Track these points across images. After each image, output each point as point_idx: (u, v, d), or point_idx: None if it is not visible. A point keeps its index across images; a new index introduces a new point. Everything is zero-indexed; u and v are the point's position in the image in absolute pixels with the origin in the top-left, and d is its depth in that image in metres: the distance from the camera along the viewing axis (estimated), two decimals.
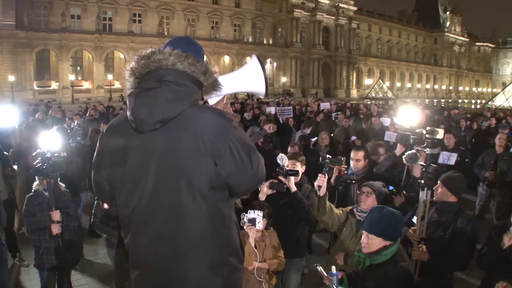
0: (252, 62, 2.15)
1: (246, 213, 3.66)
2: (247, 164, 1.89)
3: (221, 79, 2.12)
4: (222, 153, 1.85)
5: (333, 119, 14.14)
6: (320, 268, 2.92)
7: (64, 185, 4.90)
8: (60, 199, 4.61)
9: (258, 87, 2.16)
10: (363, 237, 3.03)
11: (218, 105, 2.21)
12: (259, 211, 3.66)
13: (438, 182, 4.05)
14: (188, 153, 1.86)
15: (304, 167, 4.73)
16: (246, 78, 2.19)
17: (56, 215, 4.19)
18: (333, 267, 2.90)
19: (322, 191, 3.93)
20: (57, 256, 4.47)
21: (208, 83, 1.97)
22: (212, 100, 2.19)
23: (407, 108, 6.84)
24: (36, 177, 4.62)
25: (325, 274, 2.88)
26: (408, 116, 6.14)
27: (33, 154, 4.50)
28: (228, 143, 1.85)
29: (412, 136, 4.76)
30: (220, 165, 1.87)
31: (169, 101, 1.84)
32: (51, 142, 4.18)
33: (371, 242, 2.96)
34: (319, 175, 3.98)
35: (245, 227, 3.64)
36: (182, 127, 1.86)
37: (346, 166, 4.92)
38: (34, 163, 4.19)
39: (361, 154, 5.44)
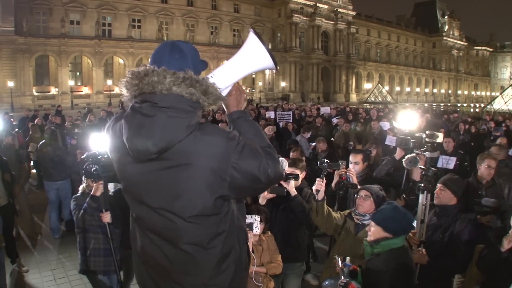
0: (249, 38, 2.01)
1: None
2: (257, 179, 1.84)
3: (224, 69, 2.03)
4: (227, 178, 1.80)
5: (333, 124, 14.16)
6: (338, 259, 3.03)
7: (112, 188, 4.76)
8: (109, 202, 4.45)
9: (263, 63, 2.01)
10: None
11: (231, 96, 2.08)
12: (257, 215, 3.66)
13: (439, 185, 4.05)
14: (178, 185, 1.82)
15: (304, 172, 4.74)
16: (247, 58, 2.02)
17: (106, 216, 4.15)
18: (348, 258, 3.00)
19: (320, 195, 3.94)
20: (106, 258, 4.42)
21: (208, 103, 1.85)
22: (224, 92, 2.01)
23: (407, 112, 6.86)
24: (84, 179, 4.61)
25: (340, 264, 2.96)
26: (408, 120, 6.16)
27: (83, 156, 4.47)
28: (230, 168, 1.79)
29: (412, 140, 4.76)
30: (226, 189, 1.84)
31: (165, 131, 1.73)
32: (101, 143, 4.12)
33: (372, 230, 3.16)
34: (317, 179, 3.99)
35: None
36: (177, 158, 1.79)
37: (345, 170, 4.91)
38: (84, 165, 4.20)
39: (359, 157, 5.45)
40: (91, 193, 4.29)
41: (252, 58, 1.99)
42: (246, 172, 1.81)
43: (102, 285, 4.66)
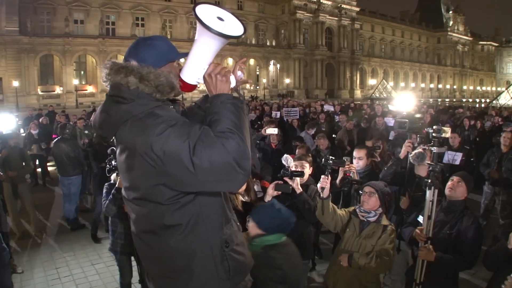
0: (198, 26, 1.84)
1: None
2: (184, 166, 1.63)
3: (186, 63, 1.97)
4: (152, 163, 1.71)
5: (336, 120, 14.08)
6: None
7: None
8: None
9: (217, 41, 1.84)
10: None
11: (206, 84, 1.91)
12: None
13: (457, 178, 4.00)
14: (125, 169, 1.88)
15: (311, 168, 4.70)
16: (203, 43, 1.88)
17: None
18: None
19: (325, 193, 3.89)
20: (129, 241, 4.73)
21: (155, 90, 1.85)
22: (200, 79, 1.94)
23: (404, 95, 6.87)
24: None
25: None
26: (405, 103, 6.11)
27: (108, 151, 4.99)
28: (151, 151, 1.68)
29: (419, 136, 4.71)
30: (160, 177, 1.74)
31: (108, 117, 1.87)
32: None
33: (250, 226, 3.18)
34: (322, 176, 3.94)
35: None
36: (122, 143, 1.87)
37: (349, 166, 4.87)
38: (107, 160, 4.78)
39: (363, 152, 5.42)
40: (116, 185, 4.73)
41: (205, 41, 1.87)
42: (167, 156, 1.66)
43: (126, 265, 5.19)
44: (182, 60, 2.07)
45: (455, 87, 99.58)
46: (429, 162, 4.07)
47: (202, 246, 1.91)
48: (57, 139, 8.77)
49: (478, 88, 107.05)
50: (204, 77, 1.90)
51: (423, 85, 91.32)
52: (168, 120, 1.73)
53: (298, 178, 4.19)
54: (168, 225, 1.86)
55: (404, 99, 6.21)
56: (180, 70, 1.99)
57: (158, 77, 1.85)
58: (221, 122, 1.73)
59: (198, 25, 1.82)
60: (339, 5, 70.18)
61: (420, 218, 4.07)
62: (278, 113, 14.56)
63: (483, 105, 41.28)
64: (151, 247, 1.96)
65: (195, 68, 1.94)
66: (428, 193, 3.83)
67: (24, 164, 8.11)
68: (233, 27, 1.90)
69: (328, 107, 18.26)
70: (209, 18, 1.82)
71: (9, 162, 7.72)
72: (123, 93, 1.82)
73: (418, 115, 4.74)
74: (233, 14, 1.95)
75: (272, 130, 7.81)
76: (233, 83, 1.92)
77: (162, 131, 1.68)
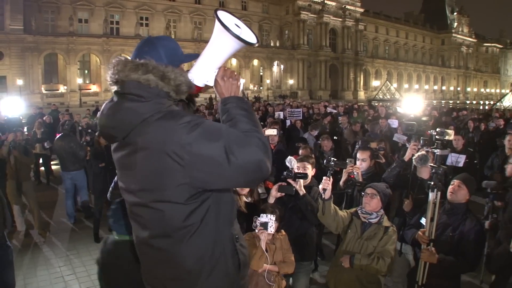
0: (216, 25, 1.85)
1: (259, 216, 3.64)
2: (217, 162, 1.66)
3: (198, 62, 1.97)
4: (181, 162, 1.69)
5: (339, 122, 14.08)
6: None
7: None
8: None
9: (233, 45, 1.86)
10: None
11: (217, 85, 1.94)
12: (272, 215, 3.63)
13: (457, 181, 4.00)
14: (140, 169, 1.80)
15: (314, 169, 4.70)
16: (217, 44, 1.89)
17: None
18: None
19: (327, 194, 3.89)
20: None
21: (174, 90, 1.84)
22: (209, 82, 1.96)
23: (412, 98, 6.84)
24: None
25: None
26: (413, 105, 6.08)
27: None
28: (181, 150, 1.68)
29: (422, 138, 4.71)
30: (186, 175, 1.72)
31: (123, 115, 1.80)
32: None
33: None
34: (324, 178, 3.95)
35: (256, 230, 3.64)
36: (136, 143, 1.78)
37: (353, 167, 4.87)
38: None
39: (367, 154, 5.41)
40: None
41: (221, 43, 1.88)
42: (201, 154, 1.67)
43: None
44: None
45: (459, 89, 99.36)
46: (432, 164, 4.07)
47: (215, 242, 1.92)
48: (59, 135, 8.94)
49: (482, 90, 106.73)
50: (216, 79, 1.94)
51: (426, 86, 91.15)
52: (194, 119, 1.74)
53: (301, 180, 4.19)
54: (184, 225, 1.83)
55: (412, 102, 6.16)
56: (187, 71, 1.98)
57: (179, 76, 1.85)
58: (241, 122, 1.80)
59: (217, 28, 1.83)
60: (343, 6, 70.11)
61: (423, 220, 4.07)
62: (281, 113, 14.55)
63: (487, 107, 41.13)
64: (162, 250, 1.90)
65: (206, 70, 1.95)
66: (431, 195, 3.83)
67: (27, 157, 8.21)
68: (248, 35, 1.94)
69: (330, 110, 18.25)
70: (228, 22, 1.84)
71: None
72: (142, 91, 1.80)
73: (424, 118, 4.71)
74: (248, 26, 1.99)
75: (271, 131, 7.81)
76: (241, 87, 2.00)
77: (192, 130, 1.69)
